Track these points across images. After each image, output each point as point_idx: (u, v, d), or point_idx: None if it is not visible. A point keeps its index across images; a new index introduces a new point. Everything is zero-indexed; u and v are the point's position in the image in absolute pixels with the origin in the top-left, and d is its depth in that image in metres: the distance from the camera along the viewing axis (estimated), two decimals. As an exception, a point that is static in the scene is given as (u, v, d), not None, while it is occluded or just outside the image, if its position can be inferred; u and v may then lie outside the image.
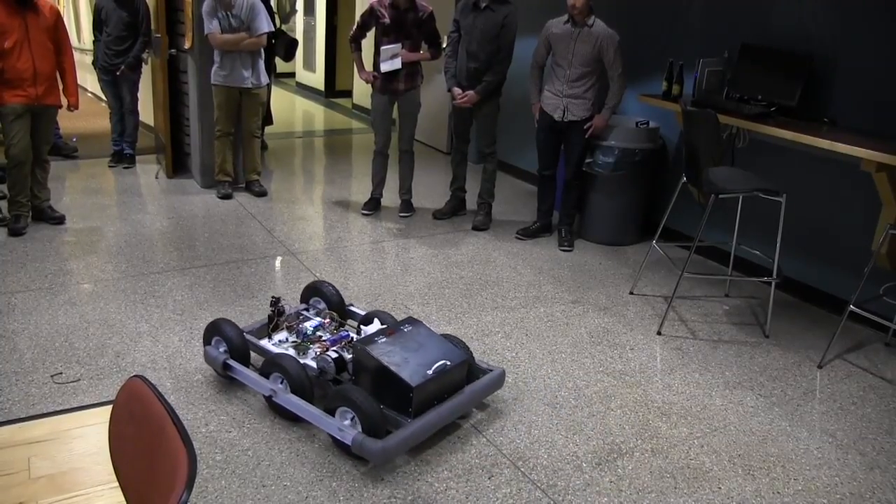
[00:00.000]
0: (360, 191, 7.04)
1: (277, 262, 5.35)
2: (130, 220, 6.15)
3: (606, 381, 3.97)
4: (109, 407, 1.90)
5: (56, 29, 5.55)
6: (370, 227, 6.22)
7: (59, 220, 5.90)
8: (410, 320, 3.66)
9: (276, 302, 3.98)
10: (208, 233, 5.91)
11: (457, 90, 5.96)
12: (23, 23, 5.29)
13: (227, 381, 3.77)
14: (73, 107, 5.83)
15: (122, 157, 7.78)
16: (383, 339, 3.44)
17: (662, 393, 3.88)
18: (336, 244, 5.80)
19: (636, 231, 6.02)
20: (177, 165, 7.52)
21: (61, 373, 3.83)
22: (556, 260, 5.63)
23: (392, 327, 3.59)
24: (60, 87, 5.68)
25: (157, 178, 7.43)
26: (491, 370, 3.66)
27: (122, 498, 1.73)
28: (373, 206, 6.53)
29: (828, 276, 4.93)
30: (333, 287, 4.18)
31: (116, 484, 1.77)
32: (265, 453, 3.26)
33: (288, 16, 12.43)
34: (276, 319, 3.96)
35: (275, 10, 8.83)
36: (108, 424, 1.81)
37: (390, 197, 6.62)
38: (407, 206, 6.51)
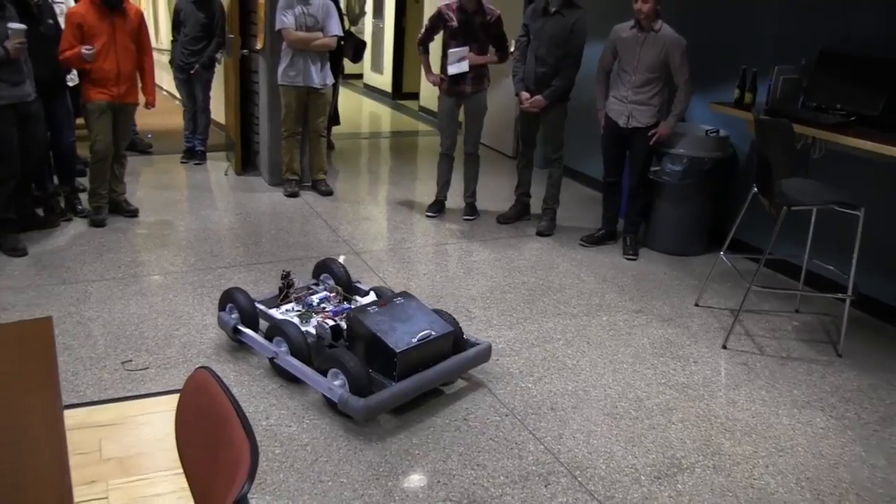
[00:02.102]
0: (425, 193, 7.06)
1: (341, 261, 5.38)
2: (200, 215, 6.27)
3: (668, 394, 3.90)
4: (175, 395, 1.93)
5: (139, 31, 5.74)
6: (434, 229, 6.23)
7: (134, 213, 6.07)
8: (404, 294, 3.95)
9: (286, 275, 4.33)
10: (274, 230, 5.99)
11: (524, 94, 5.93)
12: (111, 26, 5.50)
13: (275, 370, 3.84)
14: (150, 105, 6.01)
15: (194, 154, 7.95)
16: (375, 310, 3.74)
17: (726, 408, 3.80)
18: (399, 245, 5.82)
19: (703, 241, 5.91)
20: (246, 163, 7.65)
21: (131, 360, 3.92)
22: (620, 268, 5.56)
23: (385, 299, 3.89)
24: (139, 85, 5.85)
25: (226, 174, 7.56)
26: (478, 343, 3.92)
27: (186, 484, 1.75)
28: (437, 208, 6.54)
29: (905, 295, 4.77)
30: (342, 265, 4.50)
31: (180, 470, 1.79)
32: (323, 449, 3.28)
33: (357, 17, 12.54)
34: (285, 291, 4.29)
35: (344, 12, 8.91)
36: (174, 412, 1.84)
37: (455, 200, 6.62)
38: (471, 210, 6.50)
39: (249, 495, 1.40)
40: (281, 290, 4.31)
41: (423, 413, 3.59)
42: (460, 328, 3.94)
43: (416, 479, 3.13)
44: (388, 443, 3.35)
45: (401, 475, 3.15)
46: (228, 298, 4.13)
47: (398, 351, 3.49)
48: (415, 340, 3.57)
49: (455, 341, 3.82)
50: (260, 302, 4.21)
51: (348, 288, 4.40)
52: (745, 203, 4.75)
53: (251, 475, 1.43)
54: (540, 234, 6.16)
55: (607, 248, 5.93)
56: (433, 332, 3.67)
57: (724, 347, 4.43)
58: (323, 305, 4.19)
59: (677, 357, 4.29)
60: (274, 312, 4.12)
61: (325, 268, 4.53)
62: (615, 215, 6.02)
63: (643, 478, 3.22)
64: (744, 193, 4.85)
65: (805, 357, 4.37)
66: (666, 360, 4.25)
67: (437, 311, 3.92)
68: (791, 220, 4.33)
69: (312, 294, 4.30)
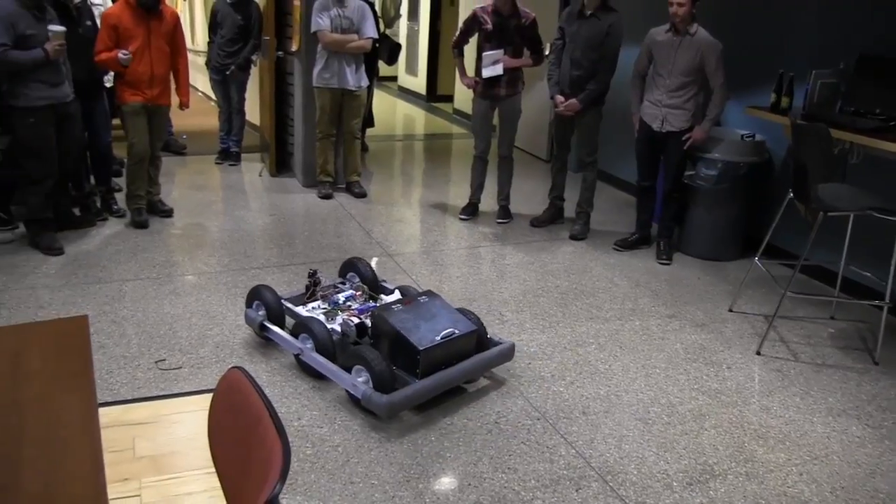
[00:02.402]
0: (459, 195, 7.06)
1: (374, 263, 5.40)
2: (234, 215, 6.32)
3: (701, 400, 3.87)
4: (208, 395, 1.95)
5: (174, 33, 5.79)
6: (467, 231, 6.23)
7: (168, 213, 6.14)
8: (428, 293, 4.01)
9: (313, 274, 4.41)
10: (308, 231, 6.02)
11: (559, 98, 5.92)
12: (146, 28, 5.53)
13: (300, 367, 3.87)
14: (184, 106, 6.04)
15: (228, 155, 8.02)
16: (399, 308, 3.79)
17: (759, 415, 3.76)
18: (433, 247, 5.83)
19: (737, 246, 5.85)
20: (280, 164, 7.70)
21: (164, 359, 3.96)
22: (654, 273, 5.53)
23: (409, 298, 3.95)
24: (173, 87, 5.89)
25: (260, 175, 7.62)
26: (502, 342, 3.95)
27: (218, 483, 1.77)
28: (470, 210, 6.54)
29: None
30: (368, 264, 4.53)
31: (212, 469, 1.81)
32: (354, 451, 3.29)
33: (392, 20, 12.56)
34: (312, 289, 4.36)
35: (379, 14, 8.95)
36: (206, 412, 1.86)
37: (488, 202, 6.62)
38: (505, 213, 6.50)
39: (280, 495, 1.41)
40: (307, 288, 4.38)
41: (454, 416, 3.60)
42: (484, 327, 3.98)
43: (446, 482, 3.13)
44: (419, 445, 3.36)
45: (431, 478, 3.15)
46: (255, 295, 4.21)
47: (421, 348, 3.54)
48: (438, 338, 3.62)
49: (478, 340, 3.86)
50: (286, 299, 4.29)
51: (374, 287, 4.44)
52: (781, 208, 4.70)
53: (283, 476, 1.44)
54: (573, 237, 6.14)
55: (641, 253, 5.89)
56: (456, 331, 3.71)
57: (758, 353, 4.38)
58: (349, 303, 4.23)
59: (710, 363, 4.25)
60: (300, 310, 4.19)
61: (351, 267, 4.58)
62: (649, 219, 5.99)
63: (675, 484, 3.20)
64: (779, 198, 4.80)
65: (840, 364, 4.31)
66: (699, 365, 4.22)
67: (461, 311, 3.97)
68: (827, 226, 4.28)
69: (338, 292, 4.35)
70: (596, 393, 3.86)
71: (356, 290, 4.39)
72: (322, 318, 4.02)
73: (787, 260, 5.30)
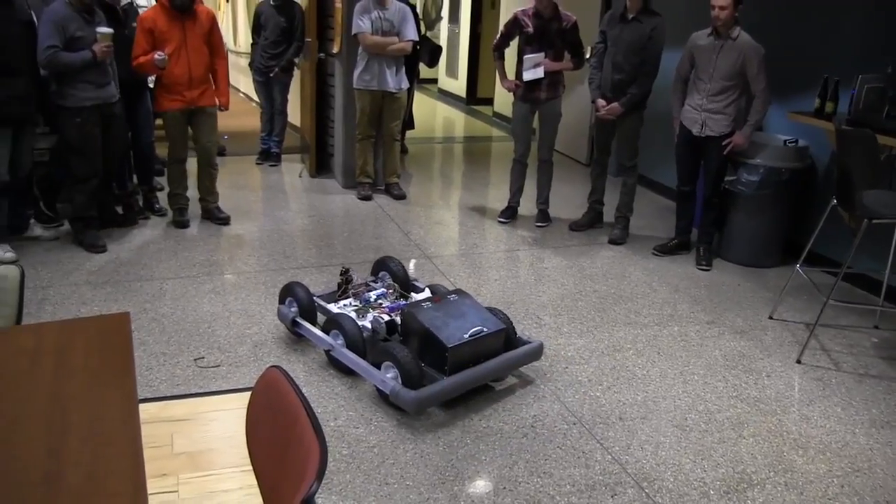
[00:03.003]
0: (498, 198, 7.05)
1: (412, 265, 5.41)
2: (273, 216, 6.37)
3: (739, 408, 3.82)
4: (246, 393, 1.97)
5: (211, 33, 5.76)
6: (506, 235, 6.22)
7: (225, 220, 6.11)
8: (458, 291, 4.07)
9: (345, 272, 4.47)
10: (347, 232, 6.06)
11: (600, 101, 5.89)
12: (182, 30, 5.53)
13: (331, 362, 3.91)
14: (223, 107, 6.02)
15: (269, 156, 8.09)
16: (429, 305, 3.83)
17: (799, 424, 3.71)
18: (471, 250, 5.83)
19: (778, 253, 5.78)
20: (320, 165, 7.75)
21: (203, 357, 4.01)
22: (693, 278, 5.47)
23: (439, 296, 4.00)
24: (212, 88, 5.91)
25: (300, 176, 7.68)
26: (530, 342, 3.96)
27: (254, 481, 1.78)
28: (509, 214, 6.53)
29: None
30: (400, 263, 4.58)
31: (249, 467, 1.82)
32: (390, 452, 3.30)
33: (433, 23, 12.58)
34: (344, 287, 4.42)
35: (420, 17, 8.97)
36: (244, 410, 1.87)
37: (527, 206, 6.60)
38: (544, 216, 6.48)
39: (316, 495, 1.42)
40: (339, 285, 4.43)
41: (490, 419, 3.59)
42: (513, 326, 4.00)
43: (481, 485, 3.13)
44: (454, 447, 3.36)
45: (466, 480, 3.15)
46: (288, 292, 4.28)
47: (450, 346, 3.57)
48: (466, 336, 3.65)
49: (507, 339, 3.89)
50: (318, 296, 4.36)
51: (405, 285, 4.48)
52: (824, 215, 4.63)
53: (319, 475, 1.45)
54: (612, 242, 6.10)
55: (680, 258, 5.84)
56: (485, 329, 3.74)
57: (799, 362, 4.32)
58: (380, 301, 4.29)
59: (750, 370, 4.20)
60: (332, 307, 4.25)
61: (383, 265, 4.62)
62: (689, 225, 5.93)
63: (712, 492, 3.16)
64: (822, 205, 4.73)
65: (884, 375, 4.24)
66: (738, 372, 4.17)
67: (490, 309, 3.99)
68: (872, 234, 4.21)
69: (370, 290, 4.40)
70: (633, 399, 3.84)
71: (387, 288, 4.44)
72: (353, 314, 4.09)
73: (830, 268, 5.22)
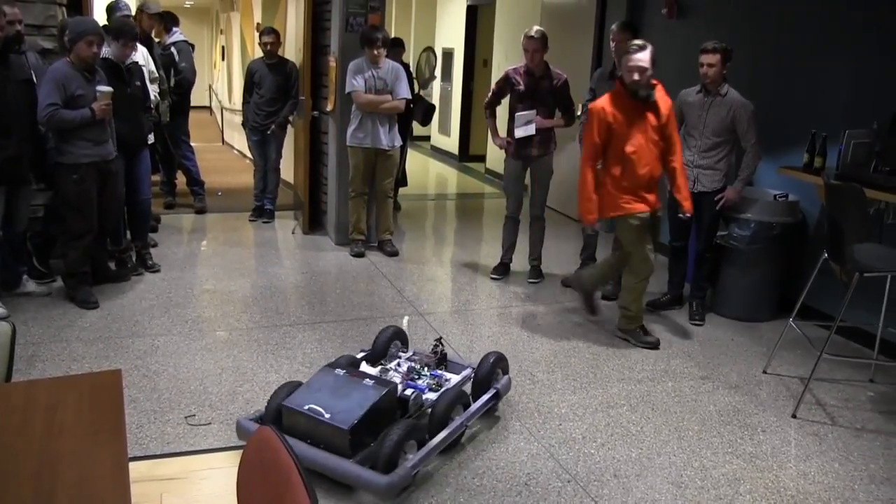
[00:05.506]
0: (490, 255, 7.07)
1: (405, 322, 5.40)
2: (266, 272, 6.38)
3: (735, 463, 3.79)
4: (237, 452, 1.95)
5: (668, 125, 5.02)
6: (498, 291, 6.22)
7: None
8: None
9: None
10: (339, 289, 6.05)
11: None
12: (644, 122, 4.93)
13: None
14: (686, 212, 5.18)
15: (263, 212, 8.13)
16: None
17: (796, 480, 3.67)
18: (464, 307, 5.83)
19: (771, 308, 5.79)
20: (313, 222, 7.79)
21: (194, 415, 3.97)
22: (687, 334, 5.47)
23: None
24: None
25: (293, 233, 7.70)
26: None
27: (245, 542, 1.76)
28: (502, 270, 6.54)
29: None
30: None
31: (240, 527, 1.80)
32: (383, 510, 3.26)
33: (427, 82, 12.73)
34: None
35: (414, 76, 9.09)
36: (235, 468, 1.86)
37: (520, 262, 6.62)
38: (536, 273, 6.49)
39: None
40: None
41: (483, 477, 3.56)
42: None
43: (475, 544, 3.09)
44: (447, 505, 3.32)
45: (460, 539, 3.11)
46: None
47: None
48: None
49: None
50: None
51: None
52: (816, 269, 4.65)
53: (310, 534, 1.43)
54: (606, 297, 6.10)
55: (673, 313, 5.84)
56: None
57: (794, 416, 4.30)
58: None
59: (745, 425, 4.18)
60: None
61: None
62: (681, 280, 5.95)
63: (709, 550, 3.12)
64: (814, 259, 4.76)
65: (882, 429, 4.21)
66: (733, 428, 4.14)
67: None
68: (864, 287, 4.22)
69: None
70: (627, 455, 3.80)
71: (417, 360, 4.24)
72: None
73: (823, 321, 5.22)
